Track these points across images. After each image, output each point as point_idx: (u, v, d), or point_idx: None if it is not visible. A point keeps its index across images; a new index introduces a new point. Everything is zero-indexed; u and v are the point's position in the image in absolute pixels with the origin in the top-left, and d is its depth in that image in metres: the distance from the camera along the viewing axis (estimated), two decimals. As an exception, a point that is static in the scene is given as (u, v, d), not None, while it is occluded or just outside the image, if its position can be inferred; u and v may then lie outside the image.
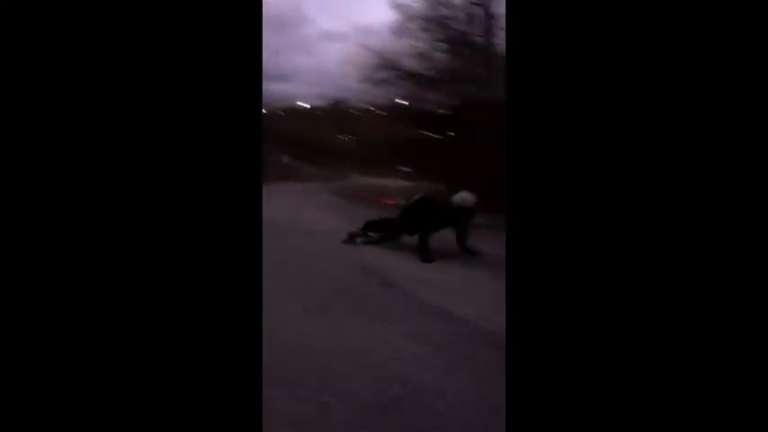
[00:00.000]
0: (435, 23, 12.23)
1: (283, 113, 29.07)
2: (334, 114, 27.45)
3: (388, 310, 2.64)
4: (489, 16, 10.84)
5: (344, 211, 8.99)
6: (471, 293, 2.99)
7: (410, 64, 13.53)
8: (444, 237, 4.31)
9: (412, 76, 14.15)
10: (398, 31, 12.91)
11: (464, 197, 4.17)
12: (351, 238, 4.72)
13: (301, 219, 7.70)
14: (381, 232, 4.66)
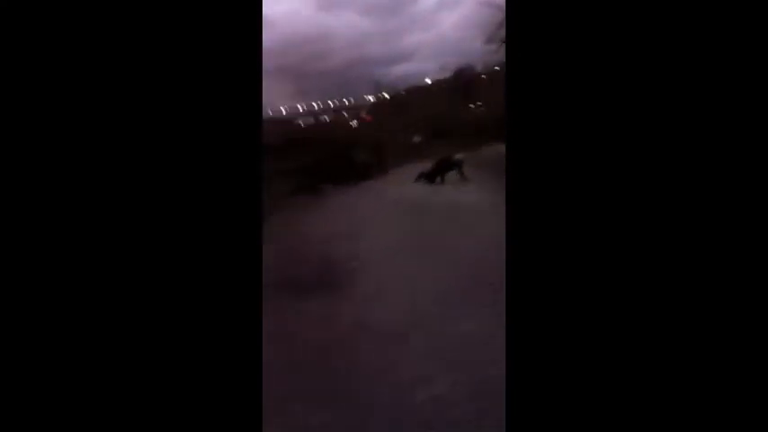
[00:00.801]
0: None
1: (405, 93, 29.18)
2: (461, 84, 26.33)
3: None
4: None
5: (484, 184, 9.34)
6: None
7: None
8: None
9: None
10: None
11: (458, 156, 10.43)
12: (417, 179, 10.70)
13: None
14: (425, 177, 10.69)
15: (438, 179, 10.54)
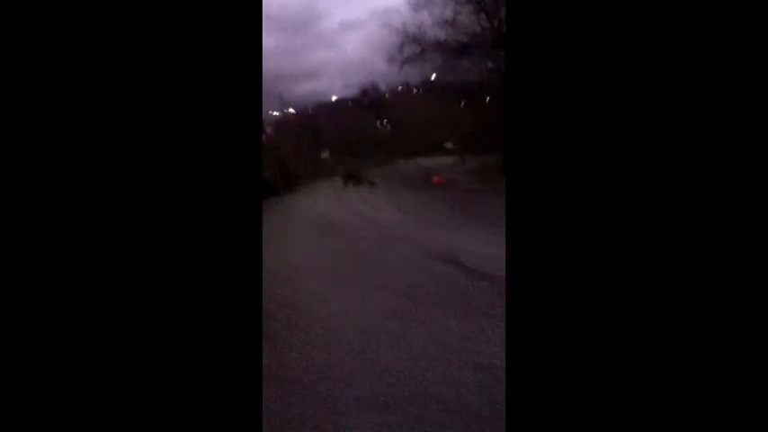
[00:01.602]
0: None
1: (311, 111, 29.23)
2: (366, 102, 27.06)
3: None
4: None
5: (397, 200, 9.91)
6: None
7: (436, 34, 12.93)
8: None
9: (440, 46, 13.47)
10: (416, 4, 12.26)
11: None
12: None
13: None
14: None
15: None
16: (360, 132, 21.82)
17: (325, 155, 20.17)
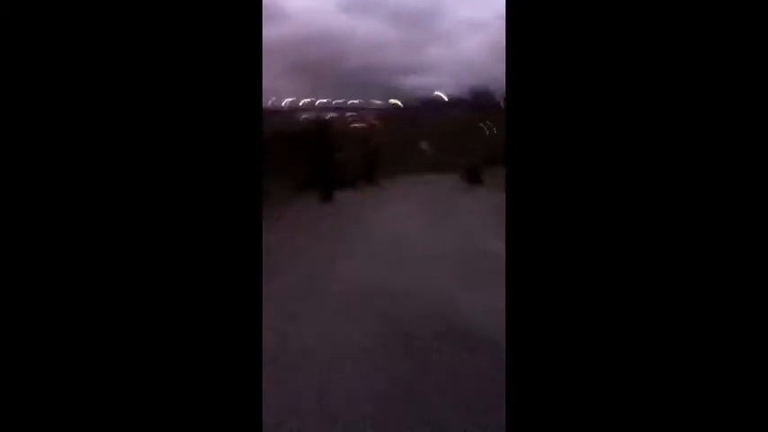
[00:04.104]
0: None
1: (418, 104, 28.75)
2: (477, 104, 25.84)
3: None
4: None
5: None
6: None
7: None
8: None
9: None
10: None
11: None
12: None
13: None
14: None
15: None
16: (464, 132, 20.62)
17: (424, 146, 18.92)
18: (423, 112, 25.04)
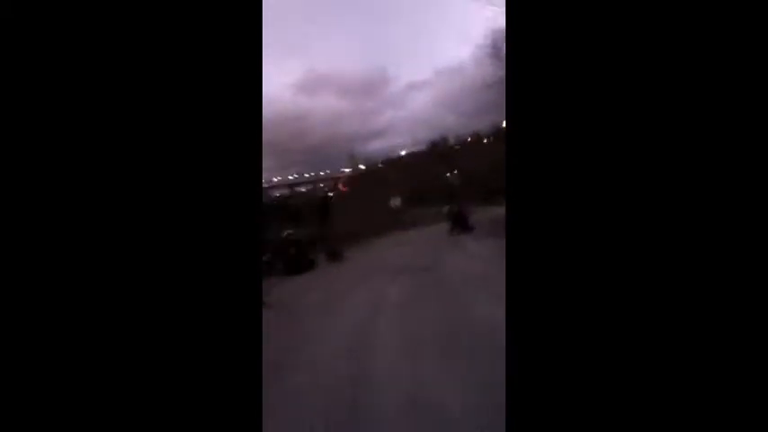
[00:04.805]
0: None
1: (381, 165, 29.61)
2: (436, 154, 26.95)
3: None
4: None
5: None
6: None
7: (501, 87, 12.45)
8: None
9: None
10: (478, 60, 12.06)
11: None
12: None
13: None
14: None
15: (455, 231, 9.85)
16: (431, 183, 21.28)
17: (395, 203, 18.33)
18: (387, 172, 25.87)
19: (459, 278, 5.45)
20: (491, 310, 3.61)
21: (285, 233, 10.88)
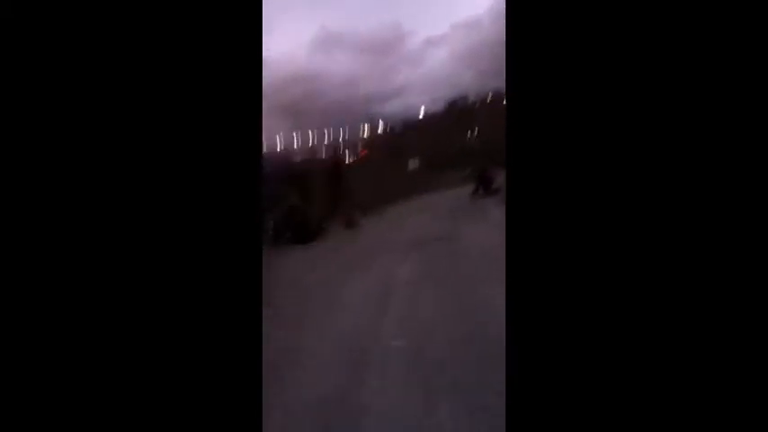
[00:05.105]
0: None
1: (400, 129, 28.99)
2: (454, 115, 26.11)
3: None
4: None
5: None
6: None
7: None
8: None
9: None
10: (495, 14, 11.23)
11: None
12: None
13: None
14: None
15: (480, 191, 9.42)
16: (449, 143, 20.72)
17: (413, 165, 17.47)
18: (406, 134, 25.35)
19: (478, 252, 5.05)
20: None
21: (288, 203, 10.38)
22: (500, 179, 9.50)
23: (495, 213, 7.35)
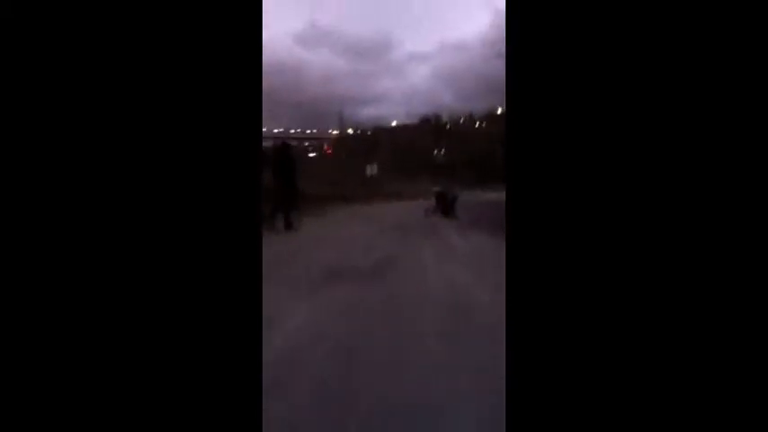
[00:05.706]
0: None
1: (370, 133, 28.93)
2: (425, 129, 26.36)
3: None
4: None
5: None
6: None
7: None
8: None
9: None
10: (490, 41, 11.46)
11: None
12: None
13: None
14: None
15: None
16: (415, 157, 20.74)
17: (371, 171, 16.90)
18: (374, 140, 25.23)
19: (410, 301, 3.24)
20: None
21: None
22: (457, 203, 9.28)
23: (450, 236, 5.10)
